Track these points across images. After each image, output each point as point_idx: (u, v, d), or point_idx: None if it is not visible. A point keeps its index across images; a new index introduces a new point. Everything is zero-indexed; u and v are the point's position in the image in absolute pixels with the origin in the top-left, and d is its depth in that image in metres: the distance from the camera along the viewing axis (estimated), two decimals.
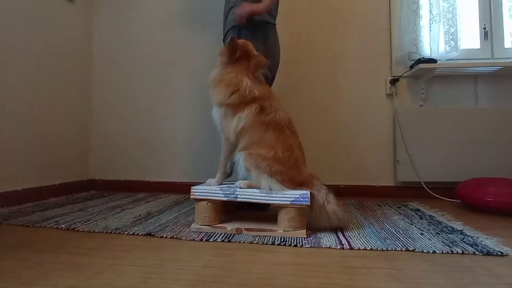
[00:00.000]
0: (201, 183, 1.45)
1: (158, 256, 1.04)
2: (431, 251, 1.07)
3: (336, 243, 1.15)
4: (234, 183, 1.38)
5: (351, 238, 1.21)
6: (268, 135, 1.33)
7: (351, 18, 2.29)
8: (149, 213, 1.63)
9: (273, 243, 1.16)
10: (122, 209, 1.71)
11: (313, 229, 1.31)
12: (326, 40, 2.30)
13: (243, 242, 1.18)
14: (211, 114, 1.46)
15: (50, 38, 2.10)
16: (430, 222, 1.46)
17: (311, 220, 1.32)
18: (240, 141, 1.36)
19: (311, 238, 1.22)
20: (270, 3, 1.57)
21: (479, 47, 2.19)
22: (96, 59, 2.50)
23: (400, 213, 1.65)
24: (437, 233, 1.29)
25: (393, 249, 1.10)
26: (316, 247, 1.13)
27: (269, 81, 1.69)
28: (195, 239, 1.21)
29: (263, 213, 1.49)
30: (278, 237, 1.22)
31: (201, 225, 1.31)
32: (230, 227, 1.29)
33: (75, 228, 1.34)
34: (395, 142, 2.19)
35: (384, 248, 1.11)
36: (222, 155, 1.43)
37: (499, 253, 1.05)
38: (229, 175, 1.49)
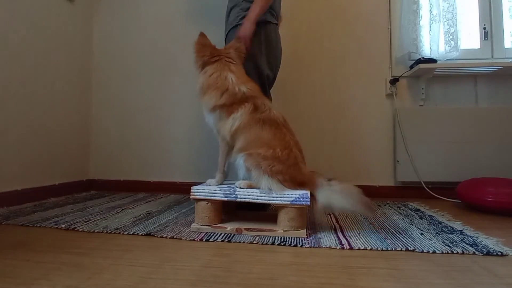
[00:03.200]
0: (201, 183, 1.45)
1: (158, 256, 1.04)
2: (431, 251, 1.07)
3: (336, 243, 1.15)
4: (234, 183, 1.38)
5: (351, 238, 1.21)
6: (265, 132, 1.33)
7: (351, 18, 2.29)
8: (149, 213, 1.64)
9: (273, 243, 1.16)
10: (122, 209, 1.71)
11: (315, 228, 1.31)
12: (326, 40, 2.30)
13: (243, 242, 1.18)
14: (206, 121, 1.46)
15: (50, 38, 2.10)
16: (430, 222, 1.46)
17: (312, 215, 1.31)
18: (237, 141, 1.36)
19: (311, 238, 1.22)
20: (265, 4, 1.55)
21: (479, 47, 2.19)
22: (96, 59, 2.50)
23: (400, 213, 1.65)
24: (437, 233, 1.29)
25: (393, 249, 1.10)
26: (316, 247, 1.13)
27: (271, 81, 1.70)
28: (195, 239, 1.21)
29: (263, 213, 1.49)
30: (278, 237, 1.22)
31: (201, 225, 1.31)
32: (230, 227, 1.29)
33: (75, 228, 1.34)
34: (395, 142, 2.19)
35: (384, 248, 1.11)
36: (220, 155, 1.43)
37: (499, 253, 1.05)
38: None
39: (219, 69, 1.42)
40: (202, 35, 1.50)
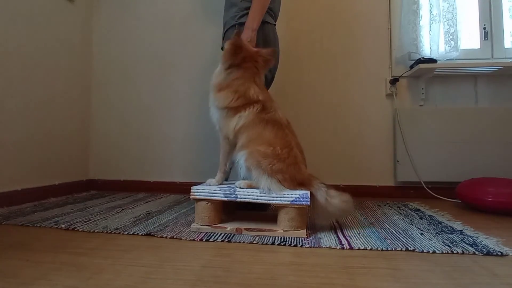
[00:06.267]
0: (201, 183, 1.45)
1: (158, 256, 1.04)
2: (431, 251, 1.07)
3: (336, 243, 1.15)
4: (234, 183, 1.38)
5: (351, 238, 1.21)
6: (267, 131, 1.34)
7: (351, 18, 2.29)
8: (149, 213, 1.63)
9: (273, 243, 1.16)
10: (122, 209, 1.71)
11: (315, 228, 1.31)
12: (326, 40, 2.30)
13: (243, 242, 1.18)
14: (210, 115, 1.46)
15: (50, 38, 2.10)
16: (430, 222, 1.46)
17: (314, 220, 1.31)
18: (239, 138, 1.36)
19: (311, 238, 1.22)
20: (263, 10, 1.55)
21: (479, 47, 2.19)
22: (96, 59, 2.50)
23: (400, 213, 1.65)
24: (437, 233, 1.29)
25: (393, 249, 1.10)
26: (316, 247, 1.13)
27: (269, 81, 1.69)
28: (195, 239, 1.21)
29: (263, 213, 1.49)
30: (278, 237, 1.22)
31: (201, 225, 1.31)
32: (230, 227, 1.29)
33: (75, 228, 1.34)
34: (395, 142, 2.19)
35: (384, 248, 1.11)
36: (222, 155, 1.43)
37: (499, 253, 1.05)
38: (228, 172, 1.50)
39: (245, 77, 1.40)
40: (238, 34, 1.45)
